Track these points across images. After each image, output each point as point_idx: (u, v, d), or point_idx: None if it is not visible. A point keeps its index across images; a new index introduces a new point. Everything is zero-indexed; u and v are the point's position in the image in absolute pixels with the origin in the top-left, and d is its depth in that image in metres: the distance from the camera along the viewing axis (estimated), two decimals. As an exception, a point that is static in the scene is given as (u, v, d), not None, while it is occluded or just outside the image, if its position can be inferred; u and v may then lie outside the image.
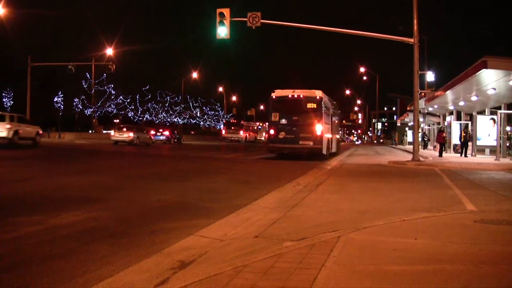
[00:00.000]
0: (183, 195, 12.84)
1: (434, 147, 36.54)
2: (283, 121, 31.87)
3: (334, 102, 42.82)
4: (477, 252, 6.29)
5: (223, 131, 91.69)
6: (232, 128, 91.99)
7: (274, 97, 32.34)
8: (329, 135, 34.54)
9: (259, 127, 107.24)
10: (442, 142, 36.24)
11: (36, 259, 6.42)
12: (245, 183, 16.40)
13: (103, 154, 33.45)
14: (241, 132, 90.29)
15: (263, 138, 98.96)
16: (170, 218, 9.44)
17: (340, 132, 47.13)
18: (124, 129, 50.38)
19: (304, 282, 4.95)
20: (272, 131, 32.25)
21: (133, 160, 28.46)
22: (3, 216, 9.05)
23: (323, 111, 31.87)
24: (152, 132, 60.08)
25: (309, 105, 31.61)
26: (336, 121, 42.09)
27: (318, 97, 31.77)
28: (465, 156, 33.90)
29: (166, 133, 63.26)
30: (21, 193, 12.27)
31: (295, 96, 31.86)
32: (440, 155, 34.56)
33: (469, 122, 38.38)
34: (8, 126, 35.47)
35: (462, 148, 34.90)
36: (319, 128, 31.12)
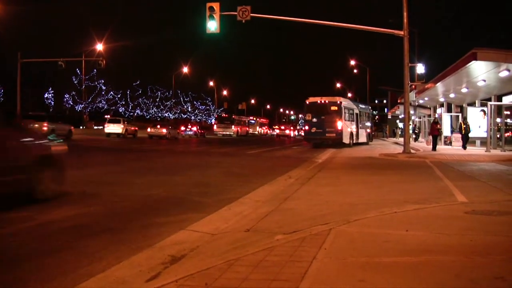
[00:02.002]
0: (172, 189, 12.83)
1: (427, 140, 34.94)
2: (314, 119, 43.13)
3: (363, 106, 54.67)
4: (469, 243, 6.30)
5: (215, 126, 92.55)
6: (224, 122, 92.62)
7: (308, 102, 44.43)
8: (351, 129, 45.40)
9: (252, 121, 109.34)
10: (436, 134, 33.99)
11: (27, 255, 6.39)
12: (237, 176, 16.41)
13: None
14: (233, 127, 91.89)
15: (256, 132, 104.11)
16: (162, 213, 9.43)
17: (370, 126, 57.17)
18: (158, 126, 60.53)
19: (296, 275, 4.94)
20: (307, 127, 44.43)
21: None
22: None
23: (343, 112, 42.93)
24: (182, 128, 71.74)
25: (332, 108, 42.84)
26: (365, 118, 52.69)
27: (338, 102, 43.32)
28: (465, 148, 32.29)
29: (194, 128, 75.46)
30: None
31: (322, 101, 43.64)
32: (434, 148, 32.48)
33: (460, 114, 38.49)
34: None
35: (463, 140, 32.97)
36: (339, 124, 42.09)
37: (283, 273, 5.04)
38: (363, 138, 49.92)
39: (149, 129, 59.34)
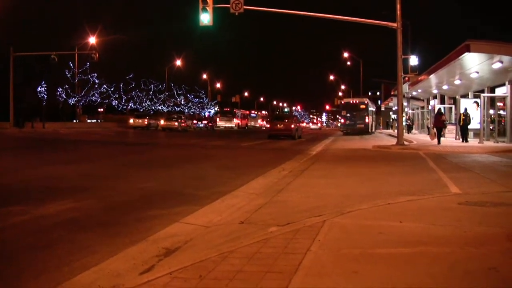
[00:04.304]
0: (169, 182, 12.83)
1: (431, 134, 33.57)
2: (348, 115, 58.32)
3: (373, 104, 72.88)
4: (462, 234, 6.32)
5: (217, 119, 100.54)
6: (227, 115, 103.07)
7: (343, 102, 63.77)
8: (371, 121, 61.51)
9: (253, 114, 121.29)
10: (441, 126, 31.16)
11: (22, 249, 6.40)
12: (231, 168, 16.42)
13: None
14: (234, 120, 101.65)
15: (257, 125, 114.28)
16: (156, 206, 9.42)
17: (375, 119, 76.20)
18: (173, 120, 68.10)
19: (290, 266, 4.94)
20: (342, 120, 61.31)
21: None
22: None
23: (368, 109, 59.22)
24: (195, 121, 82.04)
25: (361, 106, 58.75)
26: (374, 114, 70.40)
27: (365, 102, 60.30)
28: (466, 141, 30.60)
29: (205, 122, 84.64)
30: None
31: (354, 101, 61.33)
32: (439, 141, 29.86)
33: (453, 106, 38.49)
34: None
35: (462, 132, 31.45)
36: (367, 118, 57.97)
37: (277, 265, 5.04)
38: (373, 128, 66.01)
39: (162, 122, 68.45)
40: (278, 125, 43.61)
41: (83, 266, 5.63)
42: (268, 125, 53.53)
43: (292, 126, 42.95)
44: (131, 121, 69.28)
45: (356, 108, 58.23)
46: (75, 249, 6.41)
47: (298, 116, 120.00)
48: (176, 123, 66.11)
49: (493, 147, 25.92)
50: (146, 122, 68.56)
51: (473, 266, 4.97)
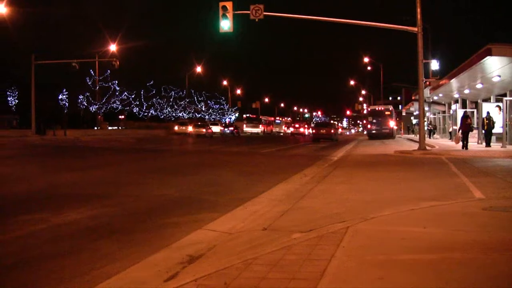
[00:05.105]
0: (187, 188, 12.87)
1: (455, 138, 32.48)
2: (374, 120, 61.98)
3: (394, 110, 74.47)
4: (486, 240, 6.27)
5: (244, 125, 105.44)
6: (253, 122, 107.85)
7: (369, 109, 70.51)
8: (395, 126, 65.10)
9: (277, 121, 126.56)
10: (467, 130, 29.13)
11: (42, 257, 6.44)
12: (252, 174, 16.46)
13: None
14: (260, 126, 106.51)
15: (282, 131, 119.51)
16: (177, 213, 9.46)
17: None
18: (200, 126, 72.47)
19: (314, 273, 4.94)
20: (369, 126, 64.27)
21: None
22: (15, 214, 9.12)
23: (392, 114, 63.20)
24: (221, 128, 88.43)
25: (386, 113, 62.51)
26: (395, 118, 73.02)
27: (390, 109, 64.39)
28: (489, 145, 29.64)
29: (231, 128, 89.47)
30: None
31: (380, 108, 65.74)
32: (465, 147, 28.28)
33: (475, 110, 38.16)
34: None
35: (486, 137, 30.46)
36: (392, 123, 61.83)
37: (301, 272, 5.04)
38: (395, 133, 67.75)
39: (190, 128, 72.29)
40: (321, 130, 56.67)
41: (104, 274, 5.66)
42: (312, 130, 66.23)
43: (332, 131, 57.26)
44: (176, 128, 74.68)
45: (381, 114, 62.38)
46: (96, 257, 6.44)
47: (336, 123, 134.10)
48: (204, 130, 70.43)
49: (516, 151, 25.64)
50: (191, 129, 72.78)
51: (498, 272, 4.94)
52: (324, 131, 56.45)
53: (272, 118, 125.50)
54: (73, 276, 5.67)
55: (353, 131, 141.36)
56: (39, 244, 7.13)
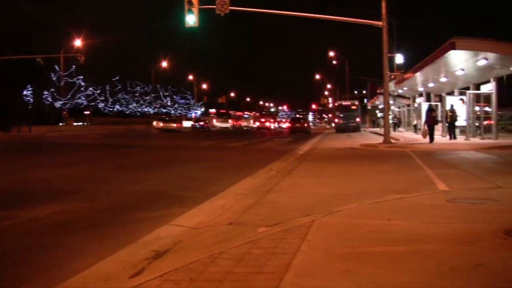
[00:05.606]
0: (159, 184, 12.80)
1: (423, 132, 32.35)
2: (341, 115, 66.47)
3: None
4: (451, 231, 6.35)
5: (214, 120, 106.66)
6: (222, 117, 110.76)
7: (337, 104, 74.36)
8: (360, 120, 70.14)
9: (246, 115, 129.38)
10: (432, 123, 29.40)
11: (10, 254, 6.36)
12: (219, 169, 16.42)
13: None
14: (230, 121, 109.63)
15: (250, 126, 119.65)
16: (145, 208, 9.40)
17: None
18: (171, 121, 74.39)
19: (280, 267, 4.94)
20: (336, 120, 68.49)
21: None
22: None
23: (358, 109, 68.69)
24: (192, 123, 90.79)
25: (352, 107, 67.62)
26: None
27: (356, 103, 69.91)
28: (454, 138, 30.18)
29: (201, 123, 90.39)
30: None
31: (346, 103, 69.96)
32: (432, 140, 28.40)
33: (439, 103, 38.63)
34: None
35: (449, 130, 30.86)
36: (357, 118, 67.22)
37: (267, 266, 5.04)
38: (361, 127, 71.60)
39: (160, 124, 72.41)
40: (297, 124, 68.54)
41: (73, 269, 5.58)
42: (289, 124, 78.49)
43: (306, 124, 69.01)
44: (154, 123, 74.10)
45: (348, 109, 67.25)
46: (64, 252, 6.39)
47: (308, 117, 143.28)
48: (174, 124, 72.06)
49: (480, 143, 26.05)
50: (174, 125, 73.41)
51: (461, 263, 5.00)
52: (299, 125, 68.25)
53: (242, 113, 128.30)
54: (42, 272, 5.62)
55: (318, 125, 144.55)
56: (7, 240, 7.06)
